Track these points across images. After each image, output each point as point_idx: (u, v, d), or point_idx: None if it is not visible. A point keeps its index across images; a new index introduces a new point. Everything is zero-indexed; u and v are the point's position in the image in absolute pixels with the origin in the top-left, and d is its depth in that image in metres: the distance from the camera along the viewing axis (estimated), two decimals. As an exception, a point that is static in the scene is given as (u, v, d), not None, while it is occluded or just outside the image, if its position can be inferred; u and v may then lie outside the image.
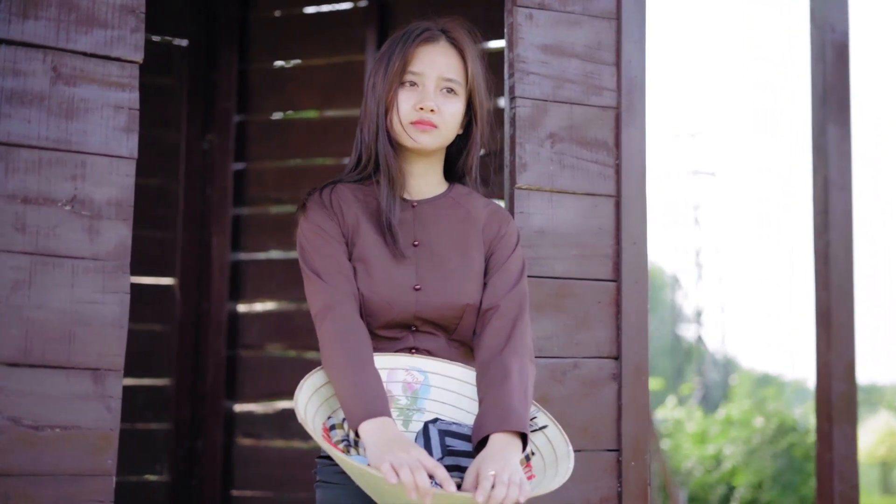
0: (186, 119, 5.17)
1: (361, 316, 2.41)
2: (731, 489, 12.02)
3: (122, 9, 2.45)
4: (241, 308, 5.17)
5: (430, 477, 2.08)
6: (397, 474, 2.02)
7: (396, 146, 2.49)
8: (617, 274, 2.93)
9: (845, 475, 4.21)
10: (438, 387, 2.44)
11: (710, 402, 19.50)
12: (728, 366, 24.76)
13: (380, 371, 2.40)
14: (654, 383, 16.68)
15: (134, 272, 4.99)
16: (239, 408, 5.13)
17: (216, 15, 5.20)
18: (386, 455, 2.07)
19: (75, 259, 2.35)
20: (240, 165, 5.19)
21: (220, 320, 5.07)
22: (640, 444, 2.91)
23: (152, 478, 5.04)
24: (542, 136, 2.88)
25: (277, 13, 5.27)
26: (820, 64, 4.33)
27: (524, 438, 2.26)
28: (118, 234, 2.40)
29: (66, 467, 2.30)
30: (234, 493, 5.04)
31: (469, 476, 2.14)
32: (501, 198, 2.95)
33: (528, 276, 2.78)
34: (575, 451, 2.80)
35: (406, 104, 2.45)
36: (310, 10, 5.19)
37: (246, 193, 5.17)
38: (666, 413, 14.86)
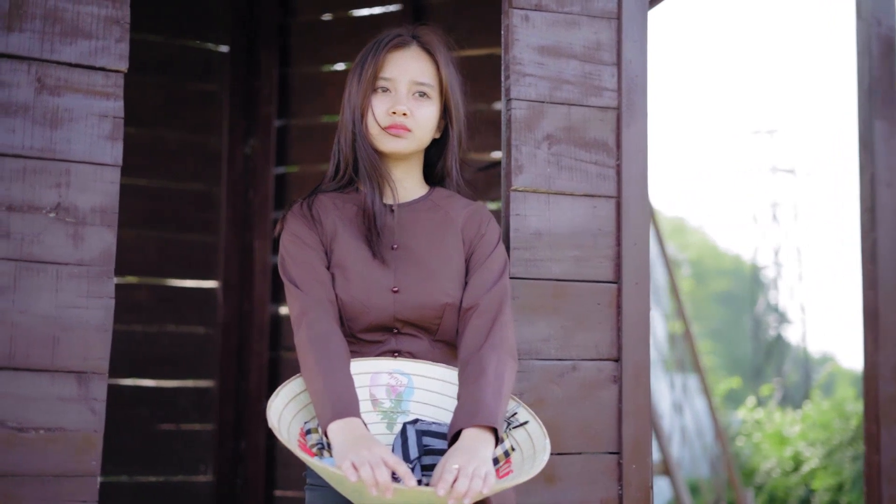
0: (228, 124, 5.24)
1: (341, 321, 2.45)
2: (811, 492, 11.79)
3: (106, 19, 2.50)
4: (284, 310, 5.23)
5: (394, 474, 2.10)
6: (358, 472, 2.05)
7: (374, 151, 2.52)
8: (618, 275, 2.91)
9: (893, 478, 4.12)
10: (422, 388, 2.47)
11: (790, 402, 19.18)
12: (808, 365, 24.38)
13: (363, 375, 2.44)
14: (732, 382, 16.47)
15: (178, 275, 5.16)
16: (282, 409, 5.17)
17: (257, 21, 5.27)
18: (349, 454, 2.10)
19: (59, 265, 2.41)
20: (281, 170, 5.25)
21: (262, 322, 5.14)
22: (641, 447, 2.88)
23: (197, 478, 5.12)
24: (539, 138, 2.87)
25: (317, 18, 5.32)
26: (866, 58, 4.24)
27: (497, 433, 2.27)
28: (103, 241, 2.46)
29: (50, 468, 2.36)
30: (277, 493, 5.10)
31: (437, 471, 2.17)
32: (497, 200, 2.95)
33: (525, 279, 2.80)
34: (574, 453, 2.82)
35: (379, 109, 2.49)
36: (349, 14, 5.23)
37: (287, 197, 5.22)
38: (745, 413, 14.64)
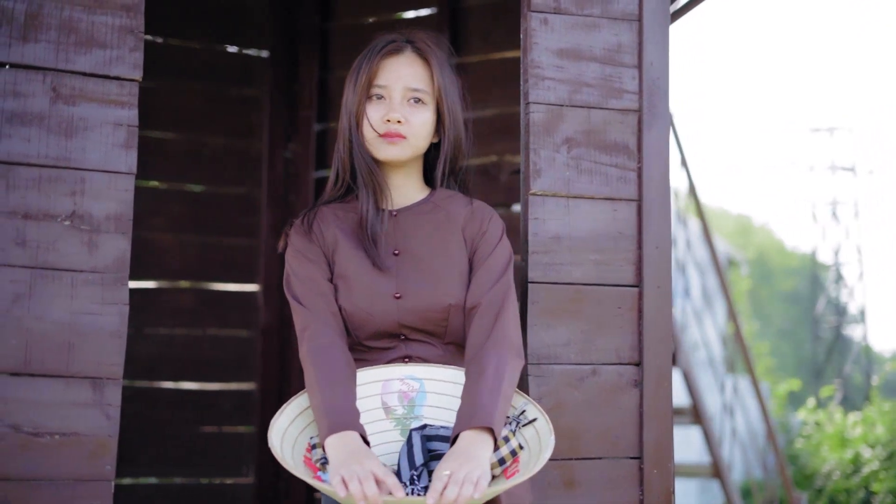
0: (269, 129, 5.27)
1: (348, 331, 2.46)
2: (871, 494, 11.62)
3: (121, 29, 2.53)
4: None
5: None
6: (347, 487, 2.06)
7: (371, 158, 2.53)
8: (639, 279, 2.89)
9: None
10: (435, 392, 2.47)
11: (850, 404, 18.89)
12: (870, 366, 23.99)
13: (374, 384, 2.45)
14: (791, 384, 16.25)
15: (220, 279, 5.20)
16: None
17: (297, 25, 5.30)
18: (340, 469, 2.12)
19: (74, 272, 2.45)
20: (321, 173, 5.27)
21: (303, 325, 5.15)
22: (663, 451, 2.86)
23: (239, 480, 5.16)
24: (558, 142, 2.86)
25: (356, 22, 5.33)
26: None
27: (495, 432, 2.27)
28: (117, 248, 2.48)
29: (65, 472, 2.39)
30: (318, 495, 5.12)
31: (433, 477, 2.17)
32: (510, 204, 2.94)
33: (544, 283, 2.79)
34: (594, 458, 2.81)
35: (374, 117, 2.50)
36: (388, 17, 5.24)
37: (327, 201, 5.23)
38: (806, 415, 14.46)
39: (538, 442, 2.33)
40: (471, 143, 2.68)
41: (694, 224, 9.04)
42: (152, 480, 5.05)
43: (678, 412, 7.38)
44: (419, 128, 2.52)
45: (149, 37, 5.15)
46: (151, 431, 5.06)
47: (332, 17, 5.32)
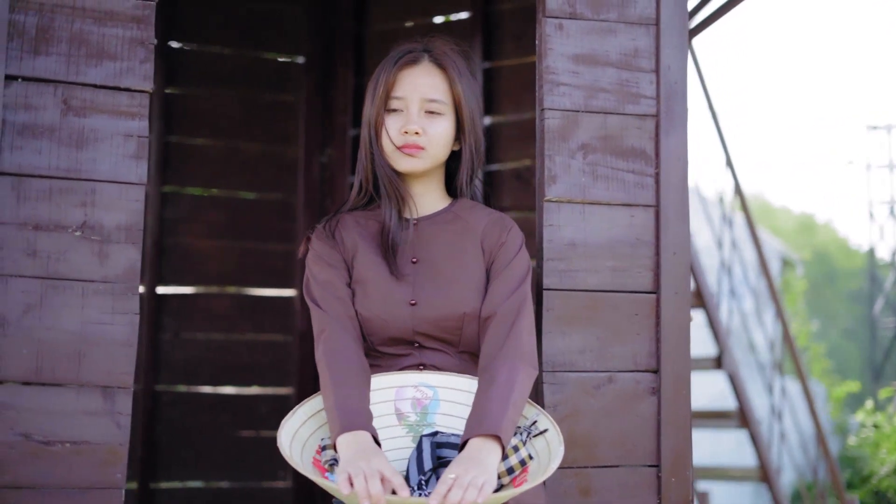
0: (305, 134, 5.30)
1: (364, 336, 2.47)
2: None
3: (131, 41, 2.56)
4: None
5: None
6: (352, 484, 2.07)
7: (391, 169, 2.53)
8: (656, 285, 2.86)
9: None
10: (448, 400, 2.47)
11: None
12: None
13: (388, 390, 2.46)
14: (849, 386, 16.01)
15: (257, 284, 5.23)
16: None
17: (332, 31, 5.32)
18: (347, 466, 2.13)
19: (85, 282, 2.47)
20: (356, 178, 5.28)
21: (339, 330, 5.17)
22: (681, 460, 2.83)
23: (276, 484, 5.19)
24: (574, 148, 2.84)
25: (391, 27, 5.34)
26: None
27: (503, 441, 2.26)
28: (128, 258, 2.51)
29: (76, 481, 2.42)
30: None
31: (440, 481, 2.16)
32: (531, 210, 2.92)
33: (560, 290, 2.77)
34: (610, 466, 2.78)
35: (392, 129, 2.50)
36: (423, 22, 5.24)
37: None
38: (864, 417, 14.23)
39: (548, 453, 2.32)
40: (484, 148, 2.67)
41: (740, 223, 8.96)
42: (191, 484, 5.09)
43: (724, 416, 7.31)
44: (438, 138, 2.51)
45: (185, 44, 5.21)
46: (190, 436, 5.10)
47: (368, 22, 5.33)
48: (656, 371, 2.84)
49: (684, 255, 2.89)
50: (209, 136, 5.30)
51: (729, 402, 7.24)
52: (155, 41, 2.59)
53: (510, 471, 2.30)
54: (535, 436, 2.38)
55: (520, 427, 2.39)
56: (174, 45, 5.19)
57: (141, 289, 5.07)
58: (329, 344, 2.41)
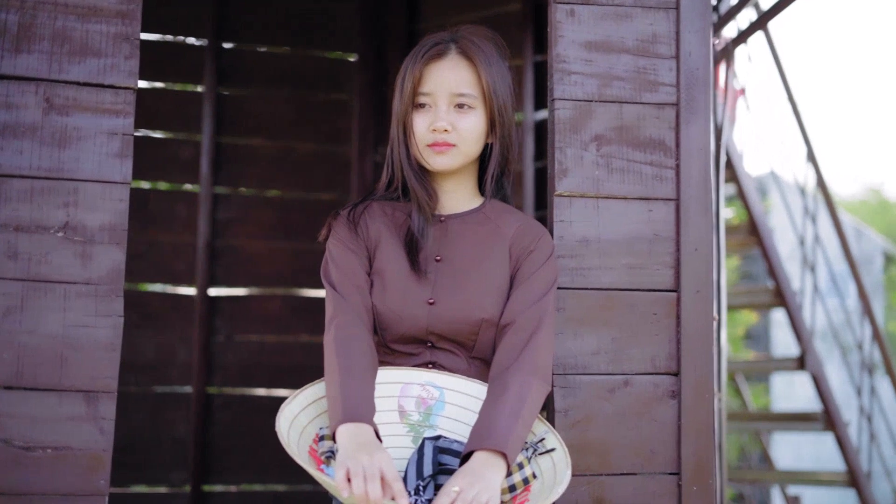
0: (358, 133, 5.24)
1: (376, 330, 2.40)
2: None
3: (115, 37, 2.50)
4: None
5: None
6: (350, 483, 1.99)
7: (420, 167, 2.46)
8: (677, 283, 2.71)
9: None
10: (454, 404, 2.40)
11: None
12: None
13: (393, 385, 2.39)
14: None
15: (310, 285, 5.17)
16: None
17: (385, 28, 5.25)
18: (348, 460, 2.04)
19: (67, 284, 2.42)
20: (410, 176, 5.21)
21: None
22: (703, 467, 2.67)
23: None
24: (586, 139, 2.70)
25: (445, 22, 5.24)
26: None
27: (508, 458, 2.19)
28: (111, 259, 2.45)
29: (58, 487, 2.36)
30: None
31: (441, 492, 2.10)
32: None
33: (571, 289, 2.65)
34: (627, 473, 2.64)
35: (420, 126, 2.42)
36: (473, 16, 5.15)
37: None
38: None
39: (553, 474, 2.24)
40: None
41: (825, 219, 8.63)
42: (244, 487, 5.06)
43: (808, 418, 7.05)
44: (468, 133, 2.41)
45: (236, 45, 5.18)
46: (243, 438, 5.08)
47: (420, 18, 5.26)
48: (677, 374, 2.68)
49: (706, 251, 2.74)
50: (261, 137, 5.28)
51: (813, 404, 6.93)
52: (140, 36, 2.52)
53: (512, 488, 2.22)
54: (540, 454, 2.29)
55: (526, 443, 2.29)
56: (226, 45, 5.16)
57: (194, 291, 5.07)
58: (342, 331, 2.31)
